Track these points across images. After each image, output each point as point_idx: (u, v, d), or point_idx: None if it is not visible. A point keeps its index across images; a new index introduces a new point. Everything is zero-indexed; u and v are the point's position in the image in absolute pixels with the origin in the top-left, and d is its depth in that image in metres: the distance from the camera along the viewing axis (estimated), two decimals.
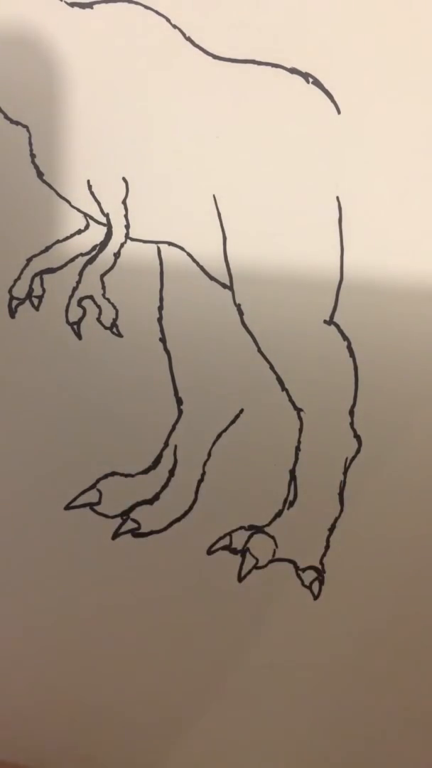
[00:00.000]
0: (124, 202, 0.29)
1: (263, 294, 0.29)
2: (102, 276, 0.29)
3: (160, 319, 0.29)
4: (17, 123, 0.28)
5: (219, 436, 0.30)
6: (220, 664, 0.32)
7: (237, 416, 0.30)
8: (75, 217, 0.29)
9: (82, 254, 0.29)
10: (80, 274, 0.29)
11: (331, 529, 0.30)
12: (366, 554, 0.30)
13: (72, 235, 0.29)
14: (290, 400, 0.30)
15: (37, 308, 0.29)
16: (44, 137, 0.28)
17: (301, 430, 0.30)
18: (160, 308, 0.29)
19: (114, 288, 0.29)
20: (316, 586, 0.31)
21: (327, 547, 0.30)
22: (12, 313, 0.29)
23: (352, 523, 0.30)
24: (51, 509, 0.30)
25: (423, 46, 0.29)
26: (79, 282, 0.29)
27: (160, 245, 0.29)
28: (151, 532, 0.31)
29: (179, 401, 0.30)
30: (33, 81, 0.28)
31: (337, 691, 0.31)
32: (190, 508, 0.31)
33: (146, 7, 0.28)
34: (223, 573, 0.31)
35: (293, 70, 0.29)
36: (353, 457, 0.30)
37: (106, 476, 0.30)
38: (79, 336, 0.29)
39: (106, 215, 0.29)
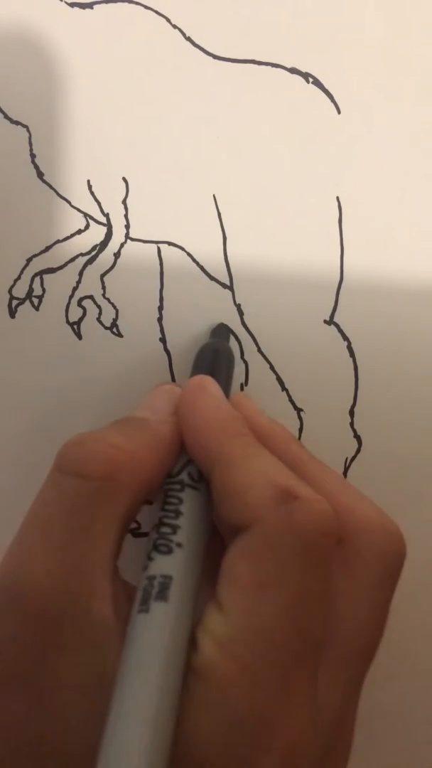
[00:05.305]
0: (124, 202, 0.29)
1: (263, 294, 0.29)
2: (102, 276, 0.29)
3: (160, 319, 0.29)
4: (17, 123, 0.28)
5: None
6: None
7: None
8: (75, 217, 0.29)
9: (82, 254, 0.29)
10: (80, 274, 0.29)
11: None
12: None
13: (72, 235, 0.29)
14: (290, 400, 0.30)
15: (37, 308, 0.29)
16: (44, 137, 0.28)
17: (301, 430, 0.30)
18: (160, 308, 0.29)
19: (114, 288, 0.29)
20: None
21: None
22: (12, 313, 0.29)
23: None
24: None
25: (423, 46, 0.29)
26: (79, 282, 0.29)
27: (160, 245, 0.29)
28: None
29: None
30: (33, 81, 0.28)
31: None
32: None
33: (146, 7, 0.28)
34: None
35: (293, 70, 0.29)
36: (353, 457, 0.30)
37: None
38: (79, 336, 0.29)
39: (106, 215, 0.29)
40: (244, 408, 0.24)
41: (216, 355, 0.28)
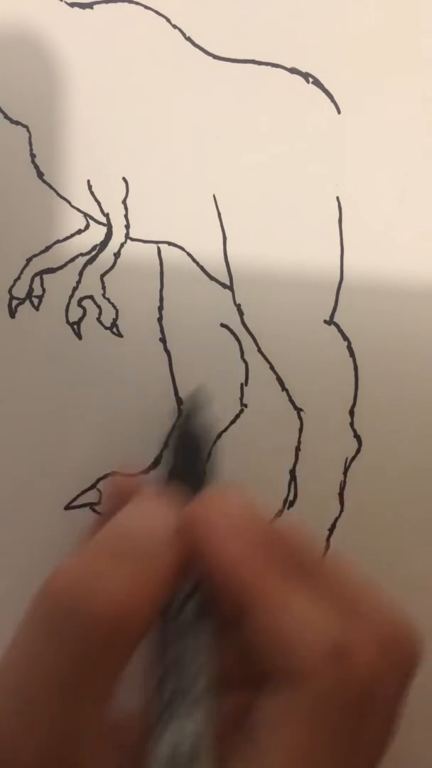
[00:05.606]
0: (124, 202, 0.29)
1: (263, 294, 0.29)
2: (102, 276, 0.29)
3: (160, 319, 0.29)
4: (17, 123, 0.28)
5: (219, 436, 0.30)
6: None
7: (237, 416, 0.30)
8: (75, 217, 0.29)
9: (82, 254, 0.29)
10: (80, 274, 0.29)
11: (331, 529, 0.30)
12: (366, 555, 0.30)
13: (72, 235, 0.29)
14: (290, 400, 0.30)
15: (37, 308, 0.29)
16: (44, 137, 0.28)
17: (301, 430, 0.30)
18: (160, 308, 0.29)
19: (114, 288, 0.29)
20: None
21: (327, 547, 0.30)
22: (12, 313, 0.29)
23: (352, 523, 0.30)
24: (51, 509, 0.30)
25: (422, 46, 0.29)
26: (79, 282, 0.29)
27: (160, 245, 0.29)
28: None
29: (179, 401, 0.30)
30: (33, 81, 0.28)
31: None
32: None
33: (146, 7, 0.28)
34: None
35: (293, 70, 0.29)
36: (353, 457, 0.30)
37: (106, 476, 0.30)
38: (79, 336, 0.29)
39: (106, 215, 0.29)
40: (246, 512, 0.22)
41: (194, 443, 0.26)
